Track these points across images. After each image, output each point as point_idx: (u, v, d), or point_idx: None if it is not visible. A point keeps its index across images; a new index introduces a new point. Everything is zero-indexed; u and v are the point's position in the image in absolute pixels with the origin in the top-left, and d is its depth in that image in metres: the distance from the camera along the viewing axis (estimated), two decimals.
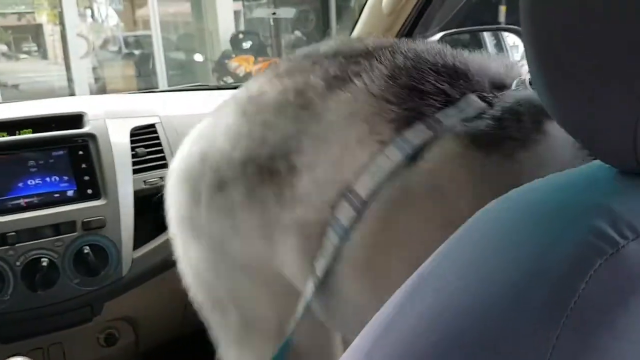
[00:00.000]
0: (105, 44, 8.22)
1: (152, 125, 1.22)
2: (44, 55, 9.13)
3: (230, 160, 0.74)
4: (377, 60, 0.69)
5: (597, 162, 0.42)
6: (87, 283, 1.07)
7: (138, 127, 1.20)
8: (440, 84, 0.64)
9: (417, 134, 0.63)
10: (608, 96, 0.35)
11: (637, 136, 0.35)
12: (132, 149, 1.16)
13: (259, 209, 0.73)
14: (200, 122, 0.87)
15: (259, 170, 0.71)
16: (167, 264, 1.18)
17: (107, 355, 1.22)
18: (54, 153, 1.10)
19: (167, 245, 1.17)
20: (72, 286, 1.06)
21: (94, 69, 7.67)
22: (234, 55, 7.06)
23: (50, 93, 6.97)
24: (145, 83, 7.35)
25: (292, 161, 0.69)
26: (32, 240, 1.04)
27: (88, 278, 1.07)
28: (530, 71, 0.41)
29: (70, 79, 6.99)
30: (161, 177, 1.17)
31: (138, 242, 1.13)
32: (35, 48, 9.38)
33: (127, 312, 1.19)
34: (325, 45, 0.76)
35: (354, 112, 0.67)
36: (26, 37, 9.33)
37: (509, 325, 0.35)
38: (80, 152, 1.11)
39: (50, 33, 8.63)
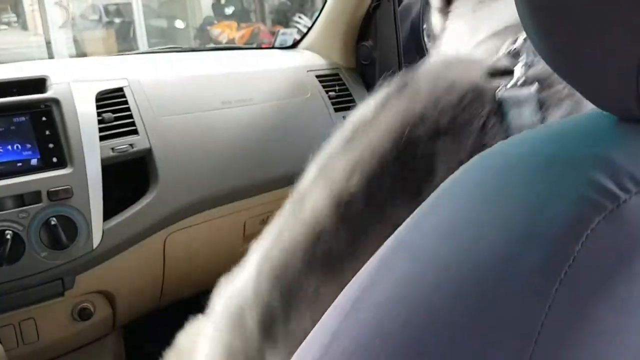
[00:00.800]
0: (85, 12, 8.02)
1: (120, 89, 1.16)
2: (23, 26, 8.90)
3: None
4: None
5: (594, 110, 0.37)
6: (55, 256, 1.02)
7: (105, 91, 1.14)
8: None
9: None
10: (606, 34, 0.30)
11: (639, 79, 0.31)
12: (99, 114, 1.10)
13: None
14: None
15: None
16: (141, 235, 1.13)
17: (83, 329, 1.18)
18: (15, 119, 1.03)
19: (140, 216, 1.12)
20: (39, 260, 1.01)
21: (74, 38, 7.50)
22: (216, 22, 6.93)
23: None
24: (127, 51, 7.21)
25: None
26: None
27: (56, 251, 1.02)
28: (518, 10, 0.36)
29: (49, 50, 6.84)
30: (130, 144, 1.11)
31: (108, 213, 1.07)
32: (15, 19, 9.15)
33: (101, 285, 1.15)
34: None
35: None
36: (5, 7, 9.09)
37: (495, 295, 0.30)
38: (43, 118, 1.05)
39: (30, 3, 8.40)
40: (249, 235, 1.33)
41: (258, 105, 1.32)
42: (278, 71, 1.43)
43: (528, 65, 0.57)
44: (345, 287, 0.40)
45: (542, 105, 0.55)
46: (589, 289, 0.29)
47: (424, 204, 0.39)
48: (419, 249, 0.35)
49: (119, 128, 1.12)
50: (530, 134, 0.38)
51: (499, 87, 0.55)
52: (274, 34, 6.26)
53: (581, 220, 0.30)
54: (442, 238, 0.35)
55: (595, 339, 0.29)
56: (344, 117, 1.42)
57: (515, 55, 0.59)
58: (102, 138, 1.08)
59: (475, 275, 0.31)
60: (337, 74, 1.51)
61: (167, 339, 1.48)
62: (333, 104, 1.43)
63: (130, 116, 1.14)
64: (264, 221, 1.35)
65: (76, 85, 1.10)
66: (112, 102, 1.14)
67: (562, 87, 0.55)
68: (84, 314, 1.15)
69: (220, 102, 1.27)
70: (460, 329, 0.30)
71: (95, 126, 1.08)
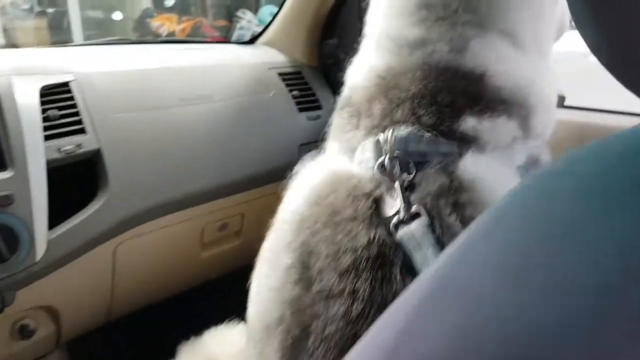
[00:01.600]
0: (16, 0, 7.65)
1: (66, 84, 1.05)
2: None
3: None
4: None
5: None
6: None
7: (49, 85, 1.03)
8: None
9: None
10: None
11: None
12: (43, 111, 0.99)
13: None
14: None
15: None
16: (90, 244, 1.03)
17: (24, 348, 1.07)
18: None
19: (88, 224, 1.02)
20: None
21: (3, 27, 7.12)
22: (155, 14, 6.72)
23: None
24: (60, 43, 6.93)
25: None
26: None
27: None
28: (572, 14, 0.31)
29: None
30: (78, 145, 1.00)
31: (53, 221, 0.97)
32: None
33: (44, 300, 1.04)
34: None
35: None
36: None
37: (589, 349, 0.25)
38: None
39: None
40: (207, 242, 1.25)
41: (218, 102, 1.24)
42: (238, 67, 1.35)
43: (406, 187, 0.62)
44: (374, 331, 0.33)
45: (438, 241, 0.60)
46: None
47: (467, 232, 0.33)
48: (470, 290, 0.29)
49: (66, 127, 1.01)
50: (595, 148, 0.33)
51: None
52: (216, 28, 6.12)
53: None
54: (502, 278, 0.28)
55: None
56: (307, 118, 1.36)
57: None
58: (46, 138, 0.97)
59: (559, 331, 0.25)
60: (299, 72, 1.44)
61: (115, 354, 1.38)
62: (297, 103, 1.36)
63: (77, 113, 1.04)
64: (223, 227, 1.27)
65: (18, 80, 0.98)
66: (57, 97, 1.03)
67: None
68: (25, 332, 1.04)
69: (176, 98, 1.18)
70: None
71: (39, 125, 0.97)
